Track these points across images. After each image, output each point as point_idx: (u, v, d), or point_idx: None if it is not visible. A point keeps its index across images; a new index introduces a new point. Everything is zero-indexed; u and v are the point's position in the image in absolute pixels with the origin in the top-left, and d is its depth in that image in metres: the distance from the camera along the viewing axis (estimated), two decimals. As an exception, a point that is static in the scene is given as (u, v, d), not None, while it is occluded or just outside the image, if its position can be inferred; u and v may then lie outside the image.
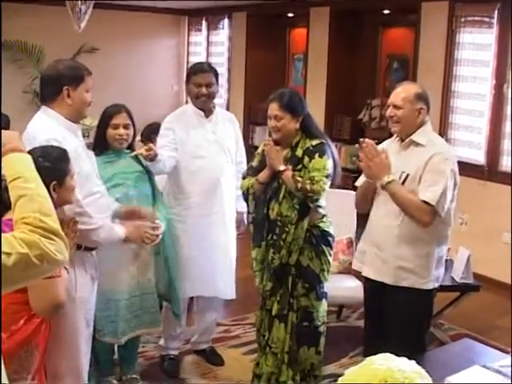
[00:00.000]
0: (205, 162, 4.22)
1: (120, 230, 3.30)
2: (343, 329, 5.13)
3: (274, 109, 3.74)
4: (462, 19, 6.32)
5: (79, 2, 4.37)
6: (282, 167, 3.69)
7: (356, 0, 7.32)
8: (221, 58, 9.62)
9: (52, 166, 2.70)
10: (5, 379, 1.76)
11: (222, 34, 9.58)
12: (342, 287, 4.60)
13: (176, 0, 8.17)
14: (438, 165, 3.38)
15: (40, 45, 8.57)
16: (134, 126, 3.90)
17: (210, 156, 4.23)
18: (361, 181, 3.72)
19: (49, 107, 3.22)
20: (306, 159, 3.71)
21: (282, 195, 3.74)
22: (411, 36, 7.12)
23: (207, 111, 4.28)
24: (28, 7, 8.37)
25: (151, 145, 3.90)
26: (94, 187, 3.25)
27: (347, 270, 4.80)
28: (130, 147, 3.93)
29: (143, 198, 3.85)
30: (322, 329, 3.91)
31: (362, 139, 3.52)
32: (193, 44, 10.18)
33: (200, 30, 9.99)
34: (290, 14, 8.80)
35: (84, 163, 3.22)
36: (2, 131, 1.89)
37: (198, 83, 4.19)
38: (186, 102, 9.55)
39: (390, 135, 3.71)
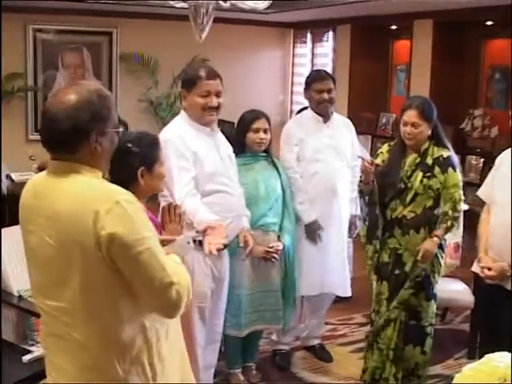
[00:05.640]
0: (321, 166, 4.38)
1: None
2: (448, 331, 5.20)
3: (412, 116, 3.81)
4: None
5: (201, 14, 4.55)
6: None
7: (459, 12, 7.39)
8: (325, 69, 9.76)
9: (141, 151, 2.73)
10: None
11: (327, 45, 9.73)
12: (448, 290, 4.65)
13: (282, 12, 8.40)
14: None
15: (155, 57, 9.02)
16: (270, 131, 4.10)
17: (326, 160, 4.39)
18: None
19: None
20: (437, 169, 3.84)
21: (409, 198, 3.86)
22: (514, 47, 7.12)
23: (326, 116, 4.44)
24: (145, 22, 8.82)
25: None
26: (216, 186, 3.46)
27: (453, 274, 4.93)
28: (267, 151, 4.14)
29: (273, 200, 4.06)
30: (429, 330, 3.98)
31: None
32: (298, 56, 10.37)
33: (305, 42, 10.17)
34: (394, 27, 8.90)
35: (205, 164, 3.42)
36: None
37: (320, 89, 4.35)
38: (291, 112, 9.87)
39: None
